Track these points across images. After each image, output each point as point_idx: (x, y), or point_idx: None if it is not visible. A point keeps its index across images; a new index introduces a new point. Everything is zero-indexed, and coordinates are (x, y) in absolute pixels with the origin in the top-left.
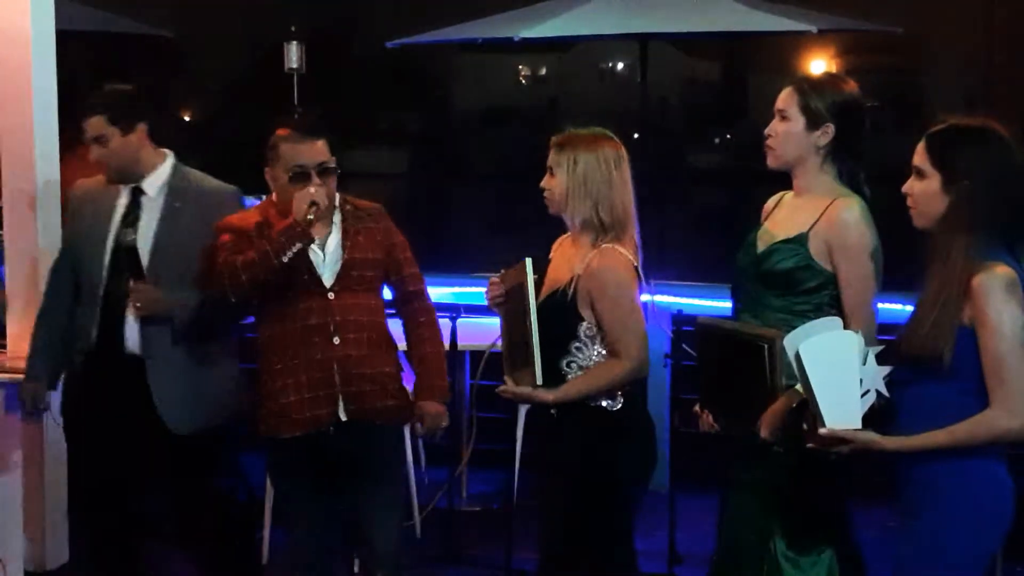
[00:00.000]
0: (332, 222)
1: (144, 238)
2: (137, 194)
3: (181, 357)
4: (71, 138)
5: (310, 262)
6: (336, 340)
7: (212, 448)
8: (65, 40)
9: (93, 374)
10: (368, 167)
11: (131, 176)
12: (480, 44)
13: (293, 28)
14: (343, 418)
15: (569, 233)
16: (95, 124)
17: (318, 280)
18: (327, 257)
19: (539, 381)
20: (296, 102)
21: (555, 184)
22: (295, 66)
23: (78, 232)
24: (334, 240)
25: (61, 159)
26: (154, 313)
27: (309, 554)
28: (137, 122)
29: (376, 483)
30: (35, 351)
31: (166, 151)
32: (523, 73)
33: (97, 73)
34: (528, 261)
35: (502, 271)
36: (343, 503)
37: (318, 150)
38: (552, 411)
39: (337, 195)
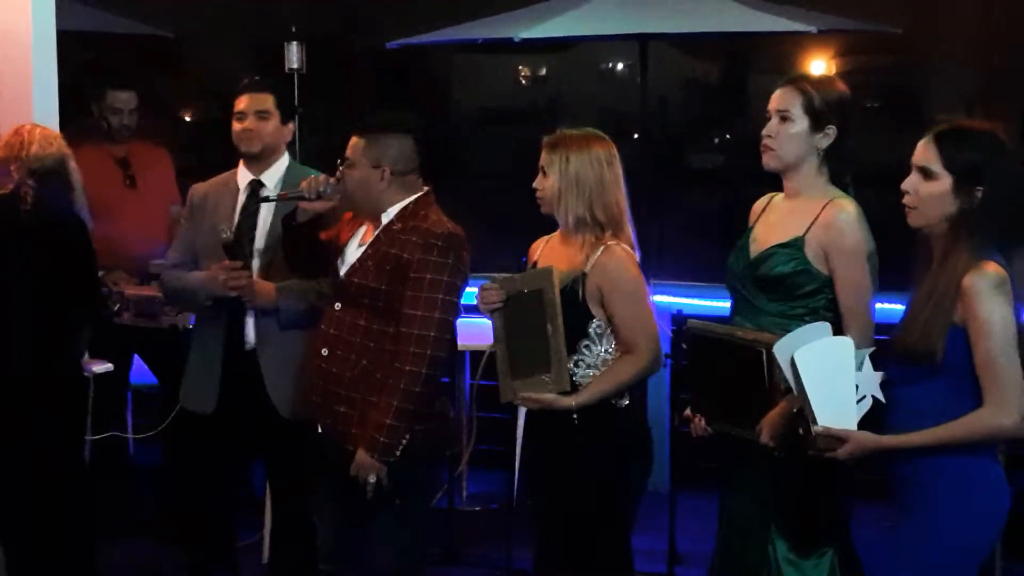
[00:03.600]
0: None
1: (260, 230)
2: (256, 186)
3: (290, 344)
4: (72, 137)
5: (338, 270)
6: (324, 352)
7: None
8: (65, 40)
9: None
10: None
11: (264, 160)
12: (480, 44)
13: (293, 28)
14: (319, 429)
15: (555, 233)
16: (264, 99)
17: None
18: (344, 270)
19: (567, 387)
20: (296, 102)
21: (548, 184)
22: (295, 66)
23: (199, 229)
24: (355, 255)
25: None
26: (252, 301)
27: (322, 543)
28: (291, 119)
29: (355, 508)
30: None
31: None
32: (523, 73)
33: (97, 73)
34: (553, 269)
35: (496, 276)
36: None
37: (351, 144)
38: (574, 416)
39: (393, 209)
